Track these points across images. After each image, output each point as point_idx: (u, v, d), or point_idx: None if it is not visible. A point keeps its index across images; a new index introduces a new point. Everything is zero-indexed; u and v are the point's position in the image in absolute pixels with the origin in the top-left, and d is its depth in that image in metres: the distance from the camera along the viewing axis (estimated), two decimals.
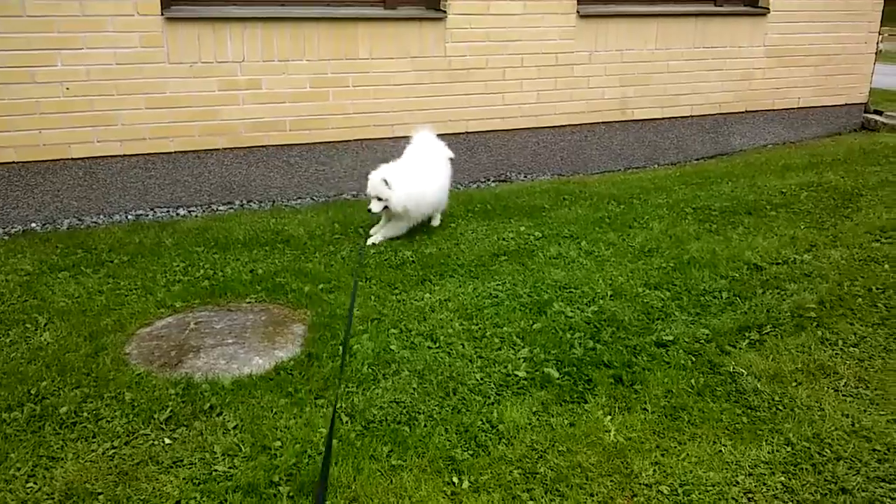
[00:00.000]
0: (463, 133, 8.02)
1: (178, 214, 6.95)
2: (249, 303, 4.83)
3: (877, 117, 10.36)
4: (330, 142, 7.48)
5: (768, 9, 9.06)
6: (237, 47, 6.86)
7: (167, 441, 3.33)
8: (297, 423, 3.45)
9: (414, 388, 3.76)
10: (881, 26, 10.04)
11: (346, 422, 3.47)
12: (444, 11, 7.57)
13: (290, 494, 2.96)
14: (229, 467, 3.16)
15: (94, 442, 3.32)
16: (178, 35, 6.65)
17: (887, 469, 3.11)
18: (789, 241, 5.70)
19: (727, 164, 8.58)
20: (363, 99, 7.46)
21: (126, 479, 3.07)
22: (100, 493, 2.98)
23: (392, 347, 4.18)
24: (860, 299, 4.67)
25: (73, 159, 6.61)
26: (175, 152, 6.93)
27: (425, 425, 3.44)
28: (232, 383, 3.78)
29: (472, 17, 7.71)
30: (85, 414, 3.52)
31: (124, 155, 6.77)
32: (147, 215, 6.89)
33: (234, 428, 3.43)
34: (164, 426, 3.44)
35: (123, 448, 3.28)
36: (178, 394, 3.68)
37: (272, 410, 3.56)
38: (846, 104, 10.07)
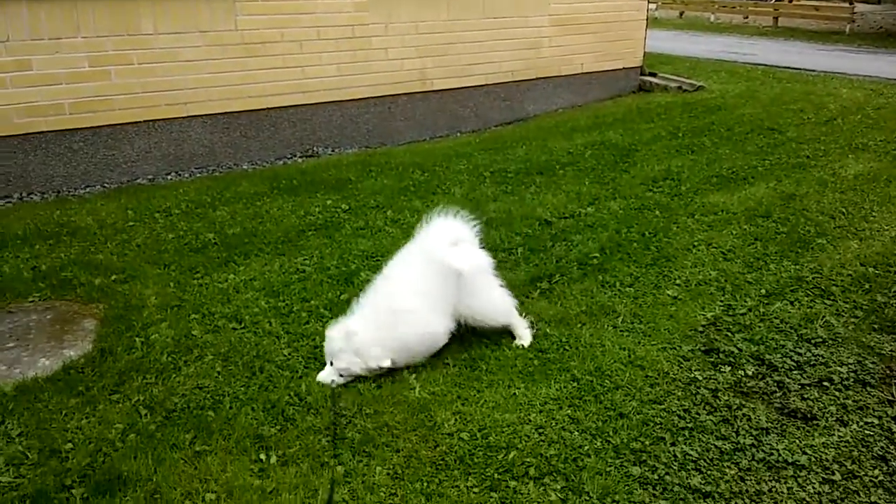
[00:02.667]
0: (264, 109, 7.85)
1: None
2: (33, 302, 4.47)
3: (651, 79, 11.37)
4: (117, 124, 7.01)
5: None
6: None
7: None
8: (89, 422, 3.27)
9: (218, 372, 3.68)
10: None
11: (145, 415, 3.33)
12: None
13: (85, 496, 2.81)
14: (15, 477, 2.94)
15: None
16: None
17: (658, 392, 3.49)
18: (575, 197, 6.16)
19: (522, 129, 9.06)
20: (150, 77, 7.05)
21: None
22: None
23: (194, 333, 4.06)
24: (635, 244, 5.16)
25: None
26: None
27: (231, 407, 3.38)
28: (14, 389, 3.50)
29: None
30: None
31: None
32: None
33: (19, 435, 3.19)
34: None
35: None
36: None
37: (62, 412, 3.34)
38: (624, 68, 10.95)
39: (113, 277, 4.71)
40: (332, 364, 3.56)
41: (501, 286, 3.97)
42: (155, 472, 2.94)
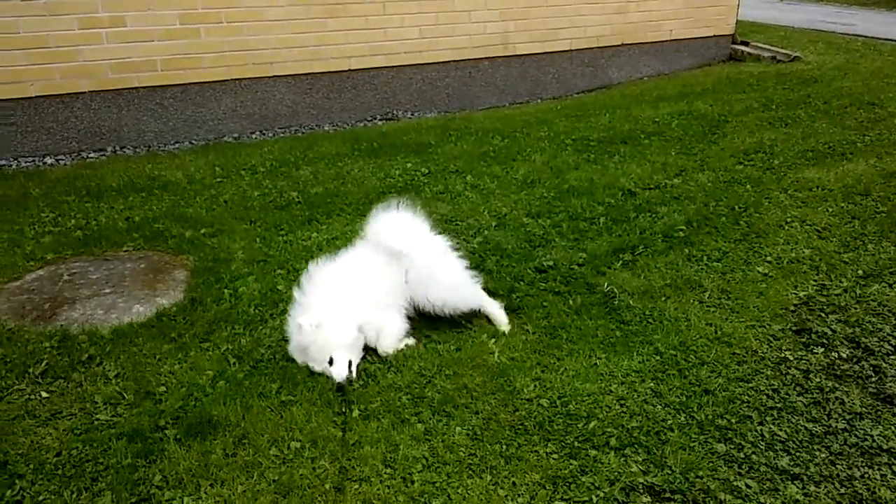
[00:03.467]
0: (346, 71, 7.88)
1: (44, 164, 6.53)
2: (127, 251, 4.65)
3: (743, 48, 10.89)
4: (205, 82, 7.17)
5: None
6: None
7: (44, 394, 3.21)
8: (181, 367, 3.40)
9: None
10: None
11: (234, 363, 3.44)
12: None
13: (177, 437, 2.94)
14: (112, 416, 3.09)
15: None
16: None
17: (745, 370, 3.39)
18: (661, 167, 5.99)
19: (605, 97, 8.84)
20: (237, 36, 7.17)
21: (1, 434, 2.95)
22: None
23: (279, 287, 4.15)
24: (724, 218, 4.99)
25: None
26: (36, 97, 6.47)
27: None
28: (111, 333, 3.67)
29: None
30: None
31: None
32: (10, 165, 6.44)
33: (116, 377, 3.34)
34: (39, 380, 3.31)
35: None
36: (54, 346, 3.54)
37: (155, 357, 3.49)
38: (715, 35, 10.52)
39: (202, 231, 4.85)
40: (332, 362, 3.30)
41: (465, 270, 3.83)
42: (243, 419, 3.04)
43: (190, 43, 6.95)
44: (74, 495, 2.64)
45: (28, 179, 5.89)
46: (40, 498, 2.63)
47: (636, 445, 2.91)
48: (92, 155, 6.76)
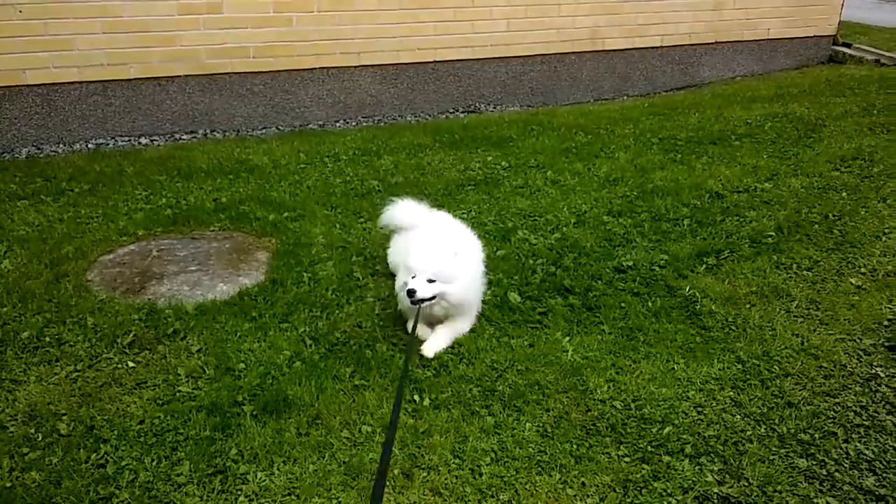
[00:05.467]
0: (431, 62, 7.91)
1: (139, 143, 6.82)
2: (213, 231, 4.81)
3: (845, 49, 10.37)
4: (295, 69, 7.33)
5: None
6: None
7: (130, 364, 3.35)
8: (260, 346, 3.49)
9: (377, 314, 3.80)
10: None
11: (310, 345, 3.51)
12: None
13: (254, 413, 3.02)
14: (193, 388, 3.20)
15: (56, 365, 3.33)
16: None
17: (832, 385, 3.24)
18: (751, 170, 5.77)
19: (695, 96, 8.58)
20: (328, 25, 7.28)
21: (89, 400, 3.10)
22: (63, 414, 3.00)
23: (356, 274, 4.21)
24: (816, 225, 4.77)
25: (28, 86, 6.41)
26: (135, 79, 6.75)
27: (387, 349, 3.49)
28: (195, 308, 3.80)
29: None
30: (47, 339, 3.52)
31: (82, 81, 6.58)
32: (108, 144, 6.75)
33: (198, 351, 3.46)
34: (127, 350, 3.45)
35: (86, 371, 3.30)
36: (142, 319, 3.69)
37: (236, 334, 3.59)
38: (815, 36, 10.05)
39: (285, 215, 4.97)
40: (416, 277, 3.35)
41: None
42: (317, 399, 3.10)
43: (282, 31, 7.11)
44: (154, 463, 2.75)
45: (123, 158, 6.16)
46: (122, 463, 2.74)
47: (712, 454, 2.81)
48: (184, 137, 7.01)
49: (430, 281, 3.34)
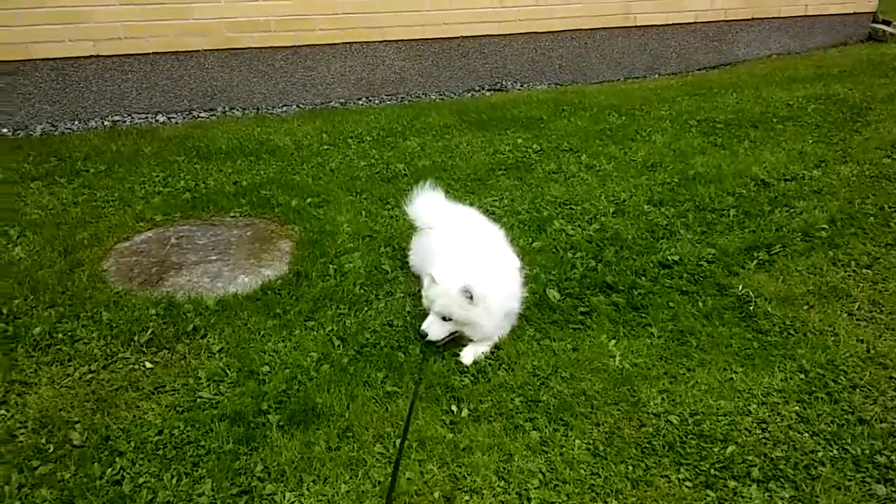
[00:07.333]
0: (457, 38, 7.58)
1: (157, 121, 6.58)
2: (234, 217, 4.58)
3: (885, 27, 9.91)
4: (316, 44, 7.03)
5: None
6: None
7: (148, 365, 3.14)
8: (285, 346, 3.27)
9: (408, 311, 3.57)
10: None
11: (339, 346, 3.28)
12: None
13: (280, 423, 2.80)
14: (214, 394, 2.98)
15: (69, 366, 3.13)
16: None
17: None
18: (797, 156, 5.46)
19: (731, 75, 8.21)
20: None
21: (104, 406, 2.89)
22: (76, 422, 2.80)
23: (385, 267, 3.97)
24: (872, 218, 4.47)
25: (43, 59, 6.17)
26: (152, 53, 6.49)
27: (421, 351, 3.25)
28: (216, 303, 3.58)
29: None
30: (60, 335, 3.31)
31: (98, 56, 6.33)
32: (124, 121, 6.52)
33: (220, 351, 3.25)
34: (144, 349, 3.24)
35: (101, 372, 3.09)
36: (160, 314, 3.48)
37: (259, 333, 3.37)
38: (854, 13, 9.60)
39: (308, 200, 4.73)
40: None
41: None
42: (347, 409, 2.88)
43: (304, 3, 6.81)
44: (174, 480, 2.54)
45: (140, 137, 5.93)
46: (140, 480, 2.54)
47: (782, 479, 2.57)
48: (203, 114, 6.76)
49: (447, 319, 3.11)
